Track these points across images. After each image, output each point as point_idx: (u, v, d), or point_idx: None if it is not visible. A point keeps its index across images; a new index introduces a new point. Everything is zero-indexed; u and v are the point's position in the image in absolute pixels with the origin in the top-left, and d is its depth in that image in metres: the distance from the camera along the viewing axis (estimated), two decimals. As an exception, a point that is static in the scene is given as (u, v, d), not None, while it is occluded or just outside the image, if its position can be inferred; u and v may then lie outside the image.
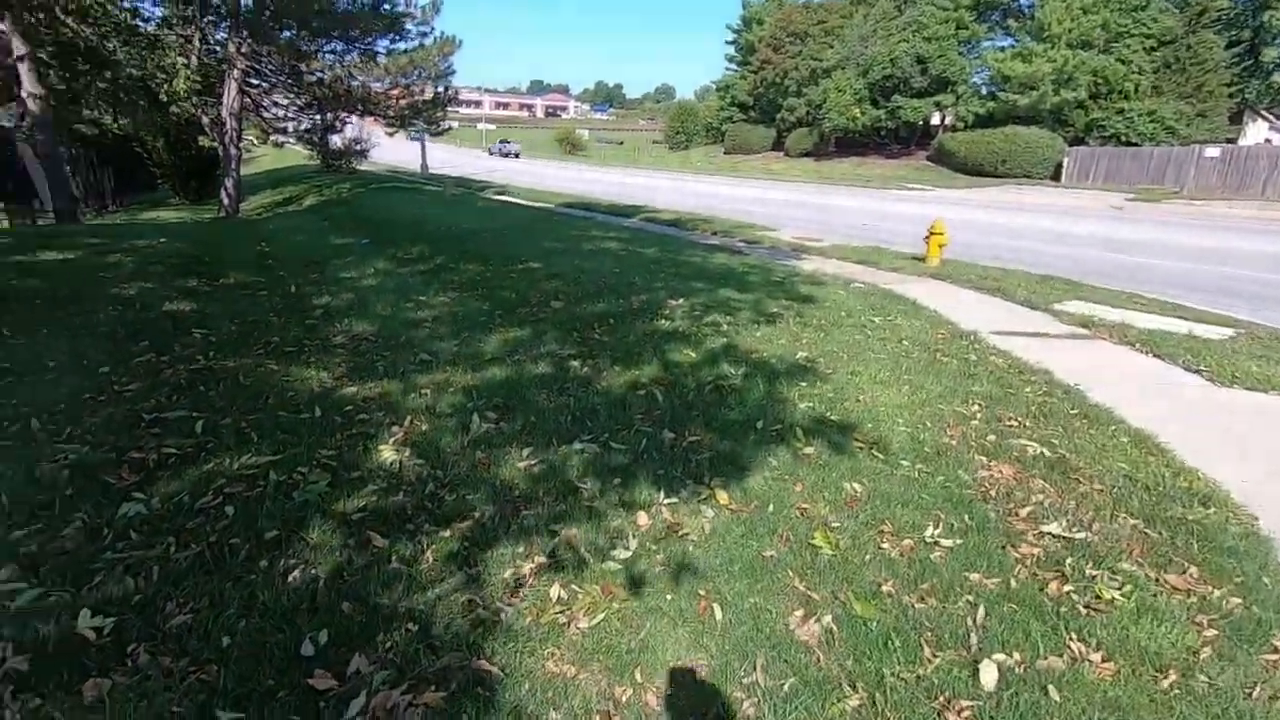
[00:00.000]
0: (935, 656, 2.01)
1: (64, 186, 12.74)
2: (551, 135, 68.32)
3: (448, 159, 41.30)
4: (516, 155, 51.38)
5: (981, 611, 2.22)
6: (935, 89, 37.20)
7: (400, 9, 17.06)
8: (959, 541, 2.62)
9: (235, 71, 15.86)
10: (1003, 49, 35.75)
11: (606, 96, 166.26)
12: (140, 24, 14.28)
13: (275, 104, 17.48)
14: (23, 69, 11.83)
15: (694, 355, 4.49)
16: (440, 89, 18.44)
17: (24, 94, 12.05)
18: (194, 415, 3.44)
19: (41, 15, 12.45)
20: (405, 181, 23.27)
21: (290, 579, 2.21)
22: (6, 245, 8.09)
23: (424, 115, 18.28)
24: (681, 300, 5.99)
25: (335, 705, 1.73)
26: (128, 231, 10.61)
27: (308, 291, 6.51)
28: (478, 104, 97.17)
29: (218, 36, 17.50)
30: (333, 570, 2.27)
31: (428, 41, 17.74)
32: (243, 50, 15.82)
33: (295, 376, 4.09)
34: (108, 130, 19.37)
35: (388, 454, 3.07)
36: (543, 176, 30.55)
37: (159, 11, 15.97)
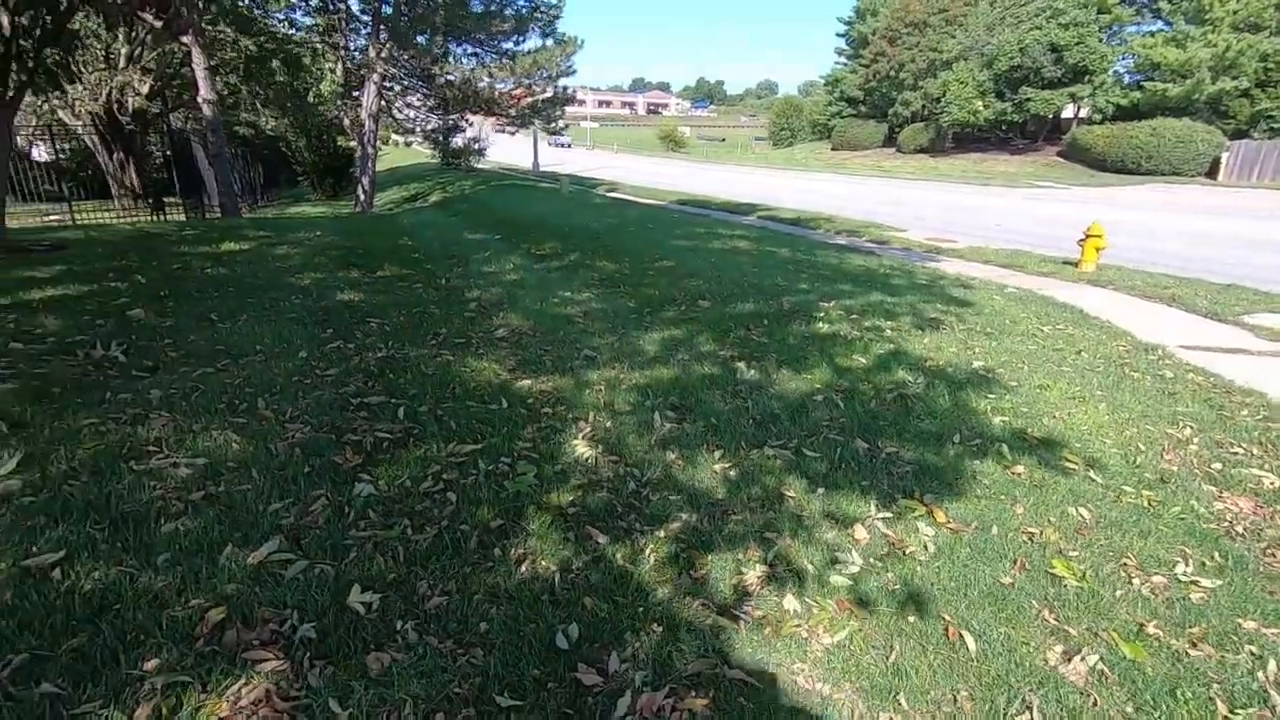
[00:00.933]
0: (1234, 714, 1.80)
1: (229, 183, 13.95)
2: (653, 133, 68.71)
3: (551, 156, 42.47)
4: (567, 146, 56.35)
5: (1273, 665, 1.98)
6: (1070, 79, 34.49)
7: (526, 11, 17.61)
8: (1219, 582, 2.36)
9: (375, 75, 16.88)
10: (1152, 34, 32.73)
11: (707, 93, 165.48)
12: (294, 32, 15.41)
13: (409, 105, 18.47)
14: (200, 76, 13.03)
15: (864, 361, 4.33)
16: (559, 88, 18.88)
17: (200, 99, 13.28)
18: (392, 401, 3.63)
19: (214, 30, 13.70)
20: (520, 179, 24.04)
21: (523, 569, 2.27)
22: (194, 237, 8.92)
23: (543, 114, 18.80)
24: (834, 303, 5.81)
25: (602, 702, 1.74)
26: (285, 225, 11.48)
27: (457, 285, 6.79)
28: (581, 102, 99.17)
29: (358, 43, 18.72)
30: (561, 563, 2.31)
31: (549, 42, 18.20)
32: (382, 55, 16.82)
33: (471, 368, 4.25)
34: (261, 131, 21.11)
35: (582, 449, 3.12)
36: (650, 174, 30.79)
37: (307, 20, 17.25)
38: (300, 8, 12.50)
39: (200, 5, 12.08)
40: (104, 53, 14.52)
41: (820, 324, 5.17)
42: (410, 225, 12.63)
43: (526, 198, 17.06)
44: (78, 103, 14.30)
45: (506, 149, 41.70)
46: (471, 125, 21.44)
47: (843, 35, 52.30)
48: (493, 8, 17.14)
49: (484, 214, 14.24)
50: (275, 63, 15.03)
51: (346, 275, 7.09)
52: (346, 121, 17.52)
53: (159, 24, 11.98)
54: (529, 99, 19.29)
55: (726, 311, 5.56)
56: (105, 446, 2.93)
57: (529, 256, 8.69)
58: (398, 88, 19.45)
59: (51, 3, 7.05)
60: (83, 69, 12.29)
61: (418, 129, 21.27)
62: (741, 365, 4.25)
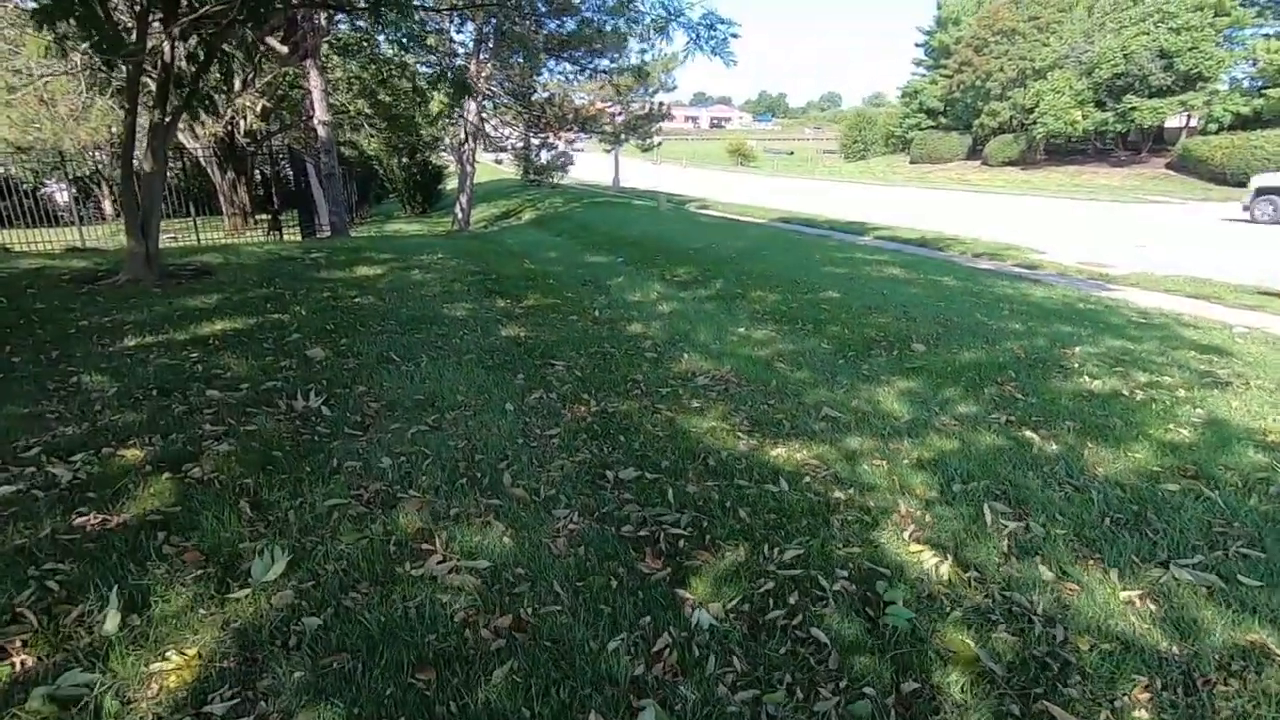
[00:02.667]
0: None
1: (339, 203, 14.01)
2: (718, 147, 68.08)
3: (624, 173, 42.26)
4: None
5: None
6: (1181, 87, 32.29)
7: (624, 28, 17.32)
8: None
9: (477, 95, 16.84)
10: (1278, 36, 30.32)
11: (769, 106, 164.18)
12: (404, 55, 15.47)
13: (504, 122, 18.42)
14: (316, 99, 13.14)
15: (1187, 435, 3.58)
16: (655, 104, 18.51)
17: (316, 121, 13.38)
18: (647, 475, 3.10)
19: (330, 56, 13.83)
20: (611, 196, 23.77)
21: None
22: (324, 260, 8.76)
23: (639, 130, 18.43)
24: (1075, 349, 5.05)
25: None
26: (402, 246, 11.33)
27: (611, 317, 6.31)
28: (673, 118, 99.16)
29: (456, 63, 18.79)
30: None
31: (648, 58, 17.86)
32: (483, 74, 16.78)
33: (700, 427, 3.70)
34: (362, 151, 21.49)
35: (926, 557, 2.50)
36: (730, 188, 30.14)
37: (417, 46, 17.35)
38: (412, 35, 12.45)
39: (325, 29, 12.15)
40: (223, 77, 14.87)
41: (1082, 378, 4.43)
42: (520, 246, 12.35)
43: (626, 216, 16.69)
44: (199, 126, 14.65)
45: (583, 166, 41.85)
46: (562, 141, 21.30)
47: (921, 45, 50.72)
48: (590, 28, 16.92)
49: (590, 234, 13.89)
50: (384, 85, 15.11)
51: (495, 305, 6.71)
52: (447, 140, 17.55)
53: (284, 49, 12.10)
54: (624, 115, 18.96)
55: (952, 359, 4.87)
56: (368, 540, 2.47)
57: (668, 283, 8.18)
58: (492, 105, 19.45)
59: (208, 31, 6.97)
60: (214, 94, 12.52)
61: (508, 146, 21.27)
62: (1032, 435, 3.56)
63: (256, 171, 19.93)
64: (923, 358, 4.93)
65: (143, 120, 7.21)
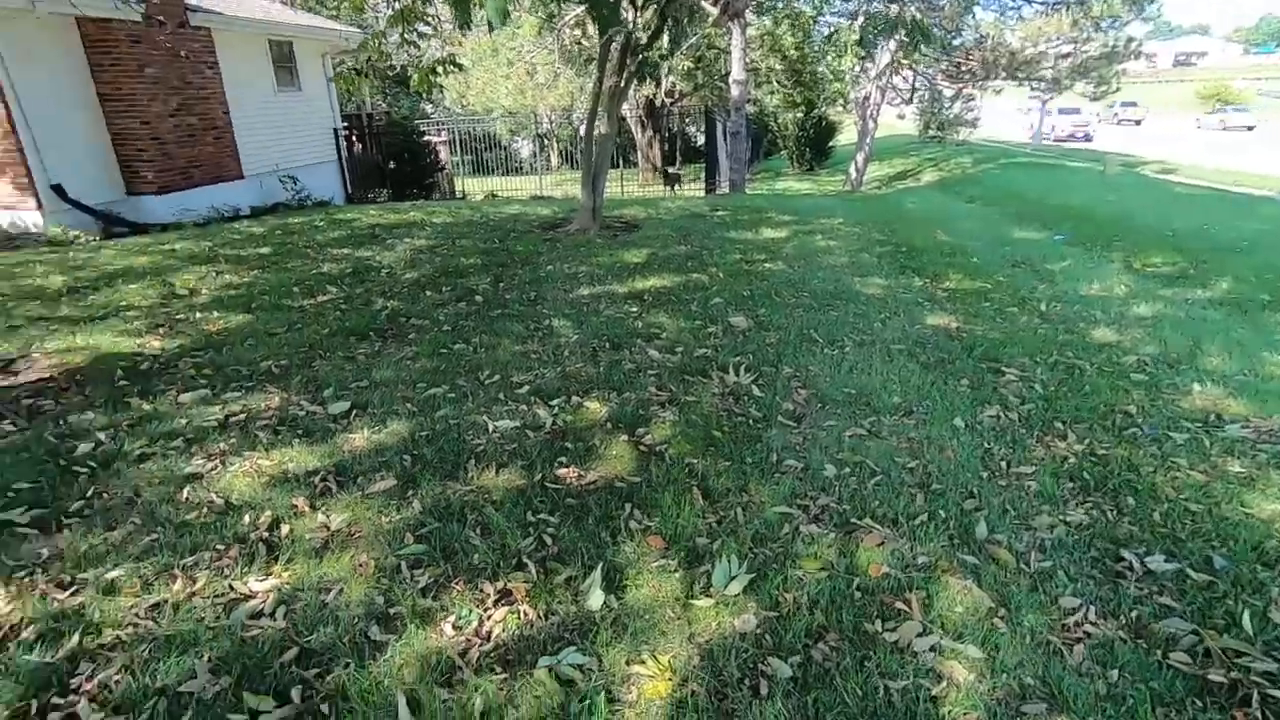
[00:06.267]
0: None
1: (740, 160, 14.37)
2: (1184, 91, 52.79)
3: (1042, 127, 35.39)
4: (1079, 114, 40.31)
5: None
6: None
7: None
8: None
9: (890, 43, 15.51)
10: None
11: (1275, 34, 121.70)
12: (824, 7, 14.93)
13: (917, 73, 16.69)
14: (735, 57, 13.46)
15: None
16: (1121, 40, 14.72)
17: (731, 80, 13.77)
18: (1191, 575, 2.20)
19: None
20: (1034, 155, 20.21)
21: None
22: (730, 220, 8.94)
23: (1091, 74, 14.93)
24: None
25: None
26: (799, 208, 11.08)
27: (1062, 313, 5.03)
28: (1152, 56, 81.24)
29: (870, 8, 17.50)
30: None
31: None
32: (902, 19, 15.28)
33: (1255, 507, 2.56)
34: (763, 107, 21.92)
35: None
36: (1207, 145, 23.04)
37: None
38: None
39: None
40: (670, 42, 16.32)
41: None
42: (925, 212, 11.08)
43: (1059, 180, 13.85)
44: (633, 89, 16.40)
45: (989, 121, 36.40)
46: (981, 91, 18.56)
47: None
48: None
49: (1013, 201, 11.83)
50: (800, 39, 14.85)
51: (911, 284, 5.95)
52: (850, 93, 16.67)
53: (715, 10, 12.57)
54: (1071, 58, 15.57)
55: None
56: (828, 575, 2.17)
57: (1139, 275, 6.34)
58: (903, 54, 17.77)
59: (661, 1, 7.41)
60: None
61: (914, 99, 19.37)
62: None
63: (666, 129, 21.82)
64: None
65: (604, 86, 8.08)
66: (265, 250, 7.11)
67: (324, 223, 8.92)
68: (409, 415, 3.26)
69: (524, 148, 26.08)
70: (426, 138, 16.06)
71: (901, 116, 19.29)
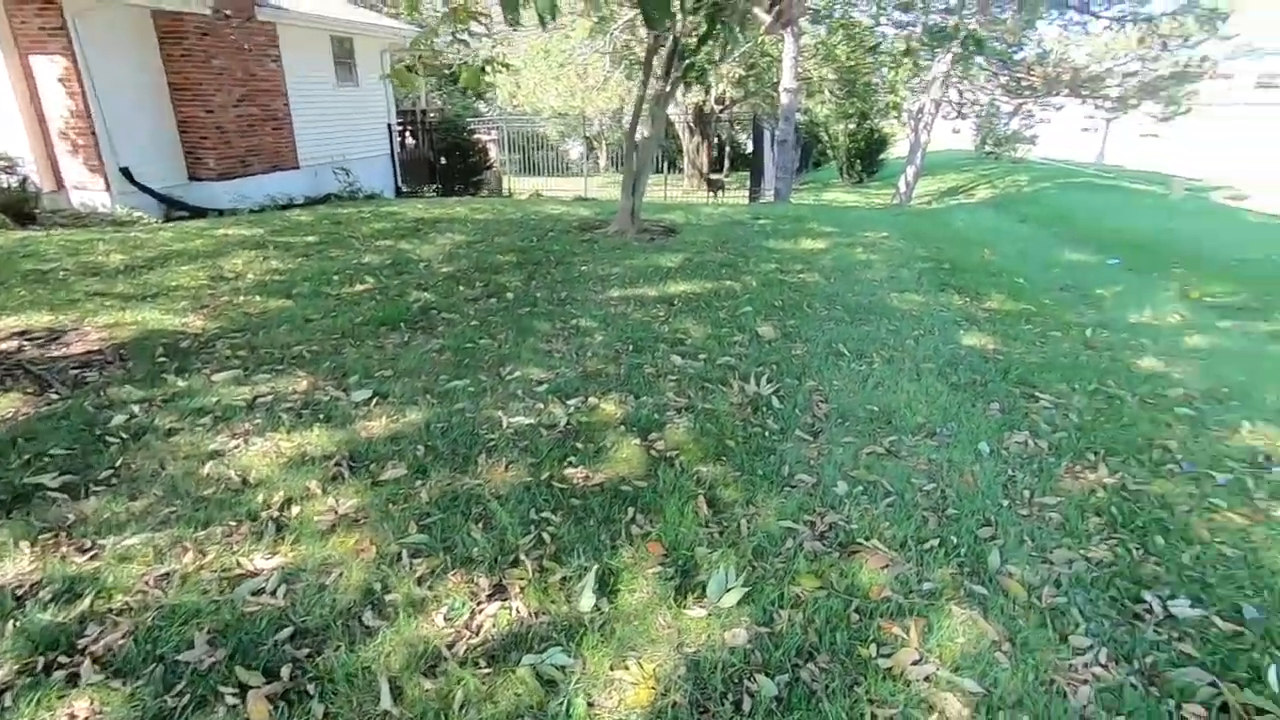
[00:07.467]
0: None
1: (788, 169, 14.24)
2: (1273, 114, 50.14)
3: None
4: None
5: None
6: None
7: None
8: None
9: (947, 56, 15.16)
10: None
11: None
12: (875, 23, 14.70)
13: (975, 86, 16.28)
14: (787, 65, 13.35)
15: None
16: (1195, 59, 14.08)
17: (782, 88, 13.66)
18: (1217, 624, 2.08)
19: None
20: (1094, 176, 19.50)
21: None
22: (770, 229, 8.85)
23: (1162, 95, 14.32)
24: None
25: None
26: (843, 220, 10.90)
27: (1108, 340, 4.85)
28: (1228, 76, 77.92)
29: (929, 20, 17.14)
30: None
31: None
32: (961, 30, 14.93)
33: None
34: (814, 117, 21.69)
35: None
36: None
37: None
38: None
39: (809, -6, 12.10)
40: (717, 48, 16.29)
41: None
42: (975, 231, 10.77)
43: (1119, 204, 13.31)
44: (681, 94, 16.39)
45: (1048, 139, 35.08)
46: (1042, 108, 17.98)
47: None
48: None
49: (1067, 224, 11.42)
50: (853, 49, 14.64)
51: (950, 302, 5.78)
52: (906, 106, 16.35)
53: (768, 18, 12.47)
54: (1139, 76, 14.96)
55: None
56: (826, 593, 2.12)
57: (1196, 306, 6.04)
58: (963, 67, 17.34)
59: (713, 4, 7.37)
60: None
61: (970, 113, 18.87)
62: None
63: (715, 136, 21.74)
64: None
65: (648, 91, 8.09)
66: (312, 239, 7.32)
67: (370, 214, 9.15)
68: (428, 406, 3.31)
69: (573, 149, 26.34)
70: (476, 136, 16.37)
71: (956, 131, 18.78)
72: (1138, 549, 2.45)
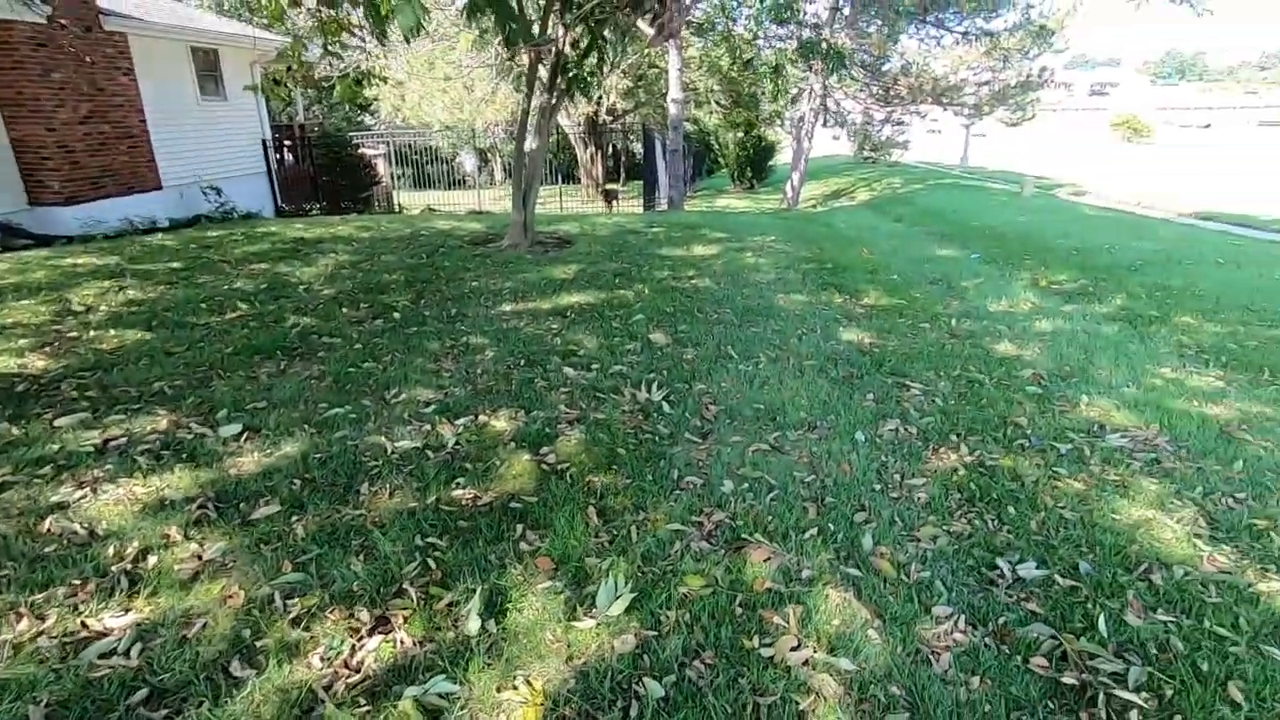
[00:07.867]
0: None
1: (679, 177, 14.58)
2: (1098, 120, 56.35)
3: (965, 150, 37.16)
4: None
5: None
6: None
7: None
8: None
9: (819, 67, 16.03)
10: None
11: (1180, 67, 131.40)
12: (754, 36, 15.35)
13: (848, 95, 17.30)
14: (673, 77, 13.70)
15: None
16: (1034, 70, 15.61)
17: (669, 99, 13.99)
18: (1058, 582, 2.30)
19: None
20: (959, 177, 21.15)
21: None
22: (663, 237, 9.03)
23: (1009, 101, 15.77)
24: None
25: None
26: (735, 225, 11.26)
27: (970, 329, 5.24)
28: (1065, 85, 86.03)
29: (804, 35, 18.09)
30: None
31: (1034, 13, 15.06)
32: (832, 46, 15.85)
33: (1123, 514, 2.70)
34: (702, 127, 22.33)
35: None
36: (1117, 171, 24.58)
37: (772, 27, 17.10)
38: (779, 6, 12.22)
39: (687, 8, 12.48)
40: (600, 61, 16.48)
41: None
42: (854, 231, 11.43)
43: (980, 202, 14.52)
44: (573, 107, 16.48)
45: (920, 143, 37.87)
46: (912, 116, 19.38)
47: None
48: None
49: (933, 220, 12.34)
50: (742, 63, 15.21)
51: (832, 300, 6.11)
52: (787, 115, 17.15)
53: (651, 30, 12.75)
54: (990, 85, 16.41)
55: None
56: (712, 590, 2.18)
57: (1044, 293, 6.67)
58: (837, 79, 18.41)
59: (594, 19, 7.48)
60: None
61: (847, 121, 20.05)
62: None
63: (609, 146, 21.98)
64: None
65: (533, 103, 8.09)
66: (176, 265, 6.80)
67: (244, 236, 8.60)
68: (306, 437, 3.15)
69: (468, 162, 25.85)
70: (362, 150, 15.74)
71: (836, 138, 19.92)
72: (993, 519, 2.68)
